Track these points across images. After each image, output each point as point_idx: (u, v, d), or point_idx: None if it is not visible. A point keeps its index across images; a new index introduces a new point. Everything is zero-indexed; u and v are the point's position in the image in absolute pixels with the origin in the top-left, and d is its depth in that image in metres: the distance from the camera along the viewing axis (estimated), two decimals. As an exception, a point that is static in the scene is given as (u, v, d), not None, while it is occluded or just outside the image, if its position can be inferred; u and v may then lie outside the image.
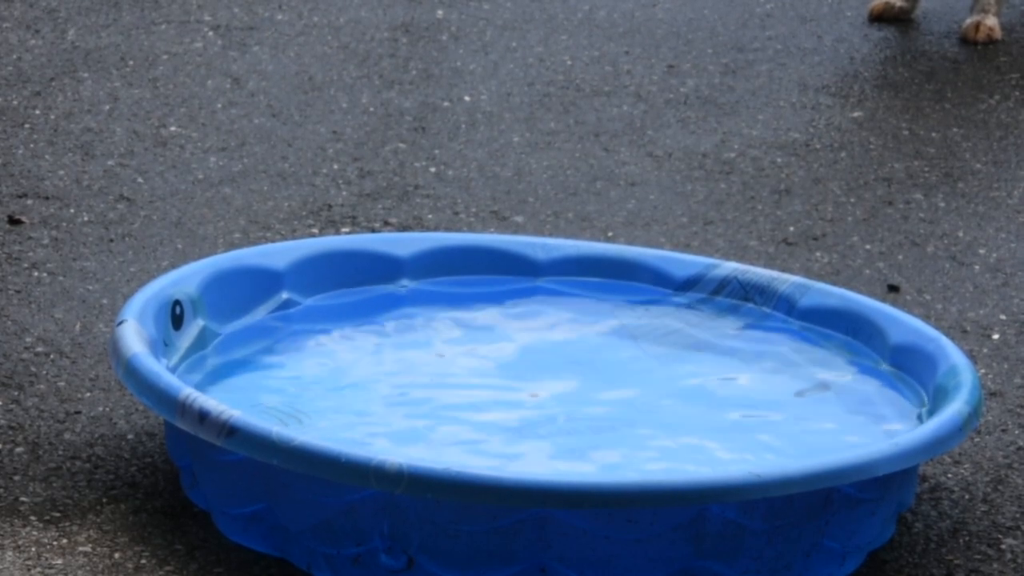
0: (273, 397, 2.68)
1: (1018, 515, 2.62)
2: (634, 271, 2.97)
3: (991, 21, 4.22)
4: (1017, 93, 3.99)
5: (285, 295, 2.88)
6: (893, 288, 3.19)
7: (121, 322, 2.65)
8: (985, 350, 3.00)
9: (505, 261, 2.97)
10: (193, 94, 3.87)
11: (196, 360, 2.74)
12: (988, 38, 4.21)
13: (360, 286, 2.93)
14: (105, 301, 3.06)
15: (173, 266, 3.00)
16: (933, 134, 3.81)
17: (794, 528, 2.46)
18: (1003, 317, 3.11)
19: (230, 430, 2.44)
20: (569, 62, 4.08)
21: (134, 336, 2.62)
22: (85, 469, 2.63)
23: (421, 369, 2.78)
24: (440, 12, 4.32)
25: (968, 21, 4.24)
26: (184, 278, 2.80)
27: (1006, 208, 3.52)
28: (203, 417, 2.47)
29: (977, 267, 3.28)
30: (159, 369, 2.56)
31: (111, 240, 3.28)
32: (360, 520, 2.43)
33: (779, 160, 3.67)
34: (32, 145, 3.63)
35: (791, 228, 3.41)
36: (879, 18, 4.32)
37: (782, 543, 2.46)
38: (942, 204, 3.53)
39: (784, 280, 2.91)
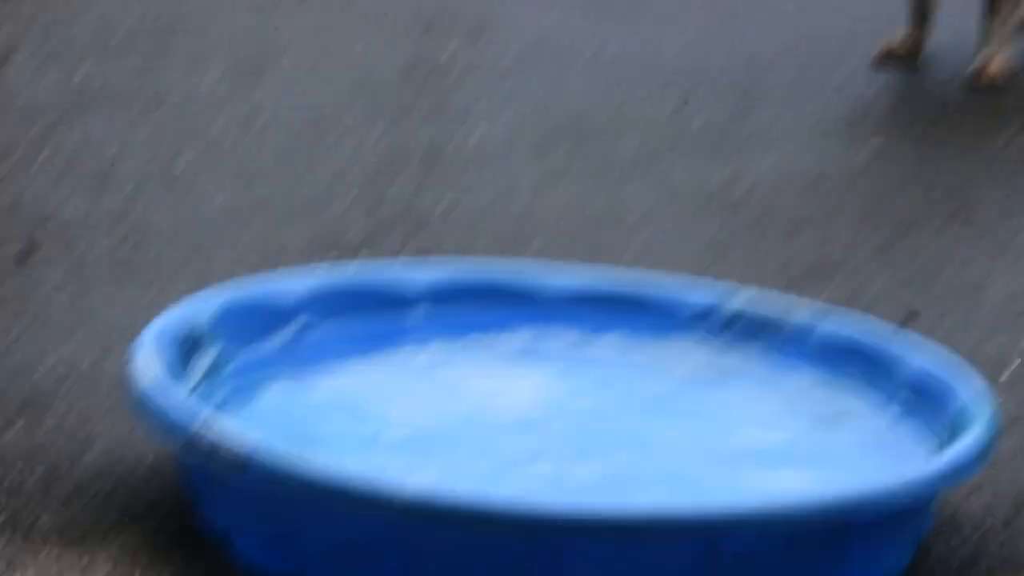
0: (287, 425, 2.67)
1: (1038, 541, 2.62)
2: (648, 301, 2.97)
3: (997, 65, 4.24)
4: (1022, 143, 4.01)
5: (299, 324, 2.88)
6: (909, 318, 3.20)
7: (134, 353, 2.65)
8: (1002, 378, 3.01)
9: (519, 290, 2.97)
10: (203, 131, 3.88)
11: (210, 389, 2.74)
12: (994, 82, 4.23)
13: (374, 314, 2.93)
14: (120, 330, 3.05)
15: (186, 297, 3.00)
16: (942, 176, 3.82)
17: (810, 558, 2.46)
18: (1021, 346, 3.11)
19: (242, 464, 2.44)
20: (577, 101, 4.09)
21: (147, 367, 2.61)
22: (104, 491, 2.62)
23: (434, 396, 2.78)
24: (448, 52, 4.34)
25: (974, 65, 4.26)
26: (198, 308, 2.80)
27: (1017, 245, 3.52)
28: (214, 450, 2.46)
29: (992, 298, 3.29)
30: (170, 402, 2.56)
31: (124, 272, 3.28)
32: (376, 545, 2.43)
33: (789, 198, 3.68)
34: (43, 181, 3.63)
35: (802, 264, 3.41)
36: (884, 62, 4.35)
37: (799, 574, 2.45)
38: (952, 242, 3.53)
39: (799, 310, 2.91)
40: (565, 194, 3.66)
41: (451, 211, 3.57)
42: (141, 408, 2.56)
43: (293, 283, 2.91)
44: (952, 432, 2.63)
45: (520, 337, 2.93)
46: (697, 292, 2.96)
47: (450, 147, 3.86)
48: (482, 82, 4.16)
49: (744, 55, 4.36)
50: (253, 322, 2.85)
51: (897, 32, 4.39)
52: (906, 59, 4.33)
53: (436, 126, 3.95)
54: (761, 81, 4.22)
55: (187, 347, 2.74)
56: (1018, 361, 3.05)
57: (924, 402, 2.74)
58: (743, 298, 2.94)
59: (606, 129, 3.95)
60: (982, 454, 2.56)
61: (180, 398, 2.59)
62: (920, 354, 2.78)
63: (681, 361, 2.89)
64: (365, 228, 3.49)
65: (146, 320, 2.75)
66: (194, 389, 2.71)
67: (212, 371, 2.76)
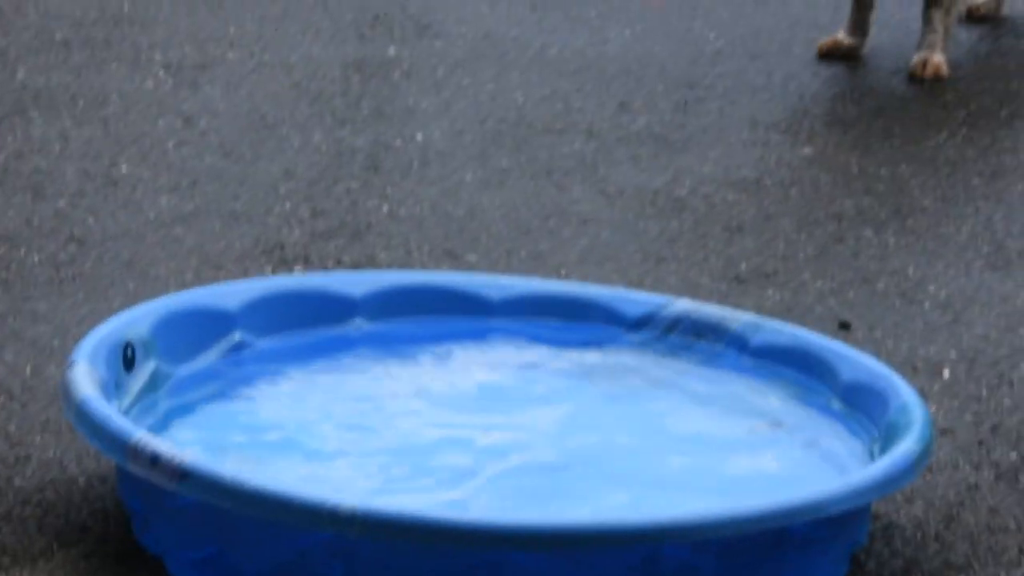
0: (226, 439, 2.67)
1: (969, 553, 2.63)
2: (587, 310, 2.98)
3: (938, 58, 4.26)
4: (964, 130, 4.03)
5: (238, 336, 2.88)
6: (844, 325, 3.21)
7: (72, 364, 2.64)
8: (936, 387, 3.02)
9: (458, 301, 2.97)
10: (144, 133, 3.87)
11: (149, 403, 2.74)
12: (935, 75, 4.24)
13: (313, 326, 2.93)
14: (56, 343, 3.05)
15: (125, 307, 2.99)
16: (882, 171, 3.83)
17: (747, 567, 2.47)
18: (953, 354, 3.13)
19: (182, 474, 2.44)
20: (521, 100, 4.09)
21: (85, 378, 2.61)
22: (35, 514, 2.61)
23: (374, 411, 2.78)
24: (392, 50, 4.33)
25: (915, 58, 4.27)
26: (136, 319, 2.79)
27: (955, 245, 3.54)
28: (155, 461, 2.46)
29: (927, 304, 3.30)
30: (110, 412, 2.56)
31: (62, 281, 3.27)
32: (314, 563, 2.43)
33: (730, 197, 3.69)
34: (-19, 186, 3.62)
35: (743, 265, 3.42)
36: (828, 55, 4.36)
37: (735, 583, 2.46)
38: (892, 240, 3.55)
39: (736, 318, 2.92)
40: (507, 197, 3.66)
41: (393, 215, 3.57)
42: (79, 421, 2.55)
43: (232, 293, 2.90)
44: (886, 442, 2.65)
45: (459, 348, 2.94)
46: (635, 300, 2.97)
47: (392, 150, 3.86)
48: (425, 83, 4.16)
49: (688, 50, 4.36)
50: (192, 334, 2.84)
51: (840, 26, 4.41)
52: (849, 52, 4.34)
53: (378, 128, 3.94)
54: (704, 77, 4.22)
55: (125, 359, 2.73)
56: (949, 370, 3.07)
57: (858, 412, 2.75)
58: (681, 306, 2.95)
59: (549, 130, 3.95)
60: (915, 465, 2.57)
61: (118, 410, 2.59)
62: (854, 363, 2.80)
63: (620, 370, 2.90)
64: (306, 233, 3.49)
65: (81, 335, 2.75)
66: (133, 402, 2.71)
67: (150, 384, 2.76)
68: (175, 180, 3.67)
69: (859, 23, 4.36)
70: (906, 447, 2.57)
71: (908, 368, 3.06)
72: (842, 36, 4.36)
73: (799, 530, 2.49)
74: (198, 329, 2.85)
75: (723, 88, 4.17)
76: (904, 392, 2.70)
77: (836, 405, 2.79)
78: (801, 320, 3.18)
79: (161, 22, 4.42)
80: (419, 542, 2.39)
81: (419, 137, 3.90)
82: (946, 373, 3.07)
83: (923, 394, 2.91)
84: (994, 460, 2.83)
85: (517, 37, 4.41)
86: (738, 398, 2.83)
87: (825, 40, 4.36)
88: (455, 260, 3.40)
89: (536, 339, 2.95)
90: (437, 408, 2.80)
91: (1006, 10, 4.59)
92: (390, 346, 2.92)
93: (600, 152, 3.86)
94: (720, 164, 3.83)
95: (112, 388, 2.67)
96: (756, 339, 2.89)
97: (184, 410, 2.75)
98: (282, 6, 4.56)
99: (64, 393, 2.61)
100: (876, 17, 4.38)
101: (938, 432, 2.86)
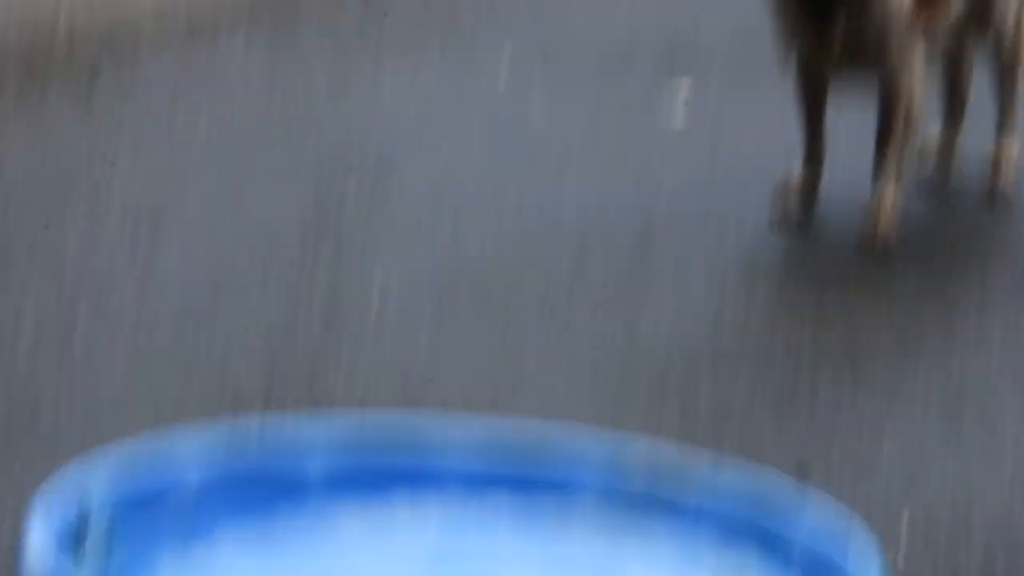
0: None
1: None
2: (545, 454, 2.96)
3: (886, 227, 4.27)
4: (913, 294, 4.04)
5: (192, 489, 2.85)
6: (803, 467, 3.21)
7: (25, 525, 2.61)
8: (894, 532, 3.02)
9: (416, 445, 2.96)
10: (102, 281, 3.86)
11: (104, 565, 2.70)
12: (884, 244, 4.26)
13: (268, 471, 2.90)
14: (8, 503, 3.02)
15: (79, 462, 2.97)
16: (837, 319, 3.84)
17: None
18: (912, 504, 3.13)
19: (135, 636, 2.40)
20: (478, 247, 4.10)
21: (38, 539, 2.58)
22: None
23: (329, 562, 2.75)
24: (351, 196, 4.35)
25: (865, 228, 4.29)
26: (91, 475, 2.76)
27: (911, 397, 3.55)
28: (108, 624, 2.42)
29: (885, 453, 3.31)
30: (64, 573, 2.52)
31: (12, 446, 3.25)
32: None
33: (688, 339, 3.70)
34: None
35: (701, 406, 3.42)
36: (779, 222, 4.36)
37: None
38: (849, 390, 3.55)
39: (696, 463, 2.91)
40: (464, 349, 3.66)
41: (350, 366, 3.57)
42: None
43: (188, 446, 2.88)
44: (846, 594, 2.63)
45: (416, 493, 2.91)
46: (593, 446, 2.96)
47: (350, 294, 3.86)
48: (382, 232, 4.17)
49: (644, 192, 4.39)
50: (146, 489, 2.81)
51: (795, 163, 4.44)
52: (799, 221, 4.31)
53: (337, 271, 3.94)
54: (661, 219, 4.24)
55: (78, 519, 2.70)
56: (908, 514, 3.07)
57: (818, 561, 2.73)
58: (639, 452, 2.94)
59: (505, 278, 3.96)
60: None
61: (72, 571, 2.55)
62: (813, 511, 2.78)
63: (576, 519, 2.88)
64: (263, 385, 3.48)
65: (30, 498, 2.71)
66: (88, 561, 2.67)
67: (106, 542, 2.72)
68: (131, 335, 3.66)
69: (812, 171, 4.37)
70: (866, 600, 2.55)
71: (866, 512, 3.05)
72: (795, 183, 4.38)
73: None
74: (152, 483, 2.82)
75: (681, 230, 4.19)
76: (862, 540, 2.68)
77: (796, 553, 2.77)
78: (760, 461, 3.17)
79: (120, 165, 4.44)
80: None
81: (376, 281, 3.91)
82: (905, 517, 3.06)
83: (881, 539, 2.90)
84: (955, 607, 2.82)
85: (477, 179, 4.43)
86: (698, 546, 2.81)
87: (775, 207, 4.35)
88: (413, 405, 3.39)
89: (492, 484, 2.93)
90: (391, 555, 2.77)
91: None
92: (348, 497, 2.90)
93: (558, 295, 3.87)
94: (678, 306, 3.84)
95: (68, 546, 2.64)
96: (716, 485, 2.87)
97: (141, 566, 2.72)
98: (241, 148, 4.58)
99: (17, 555, 2.57)
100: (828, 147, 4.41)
101: (898, 581, 2.86)
